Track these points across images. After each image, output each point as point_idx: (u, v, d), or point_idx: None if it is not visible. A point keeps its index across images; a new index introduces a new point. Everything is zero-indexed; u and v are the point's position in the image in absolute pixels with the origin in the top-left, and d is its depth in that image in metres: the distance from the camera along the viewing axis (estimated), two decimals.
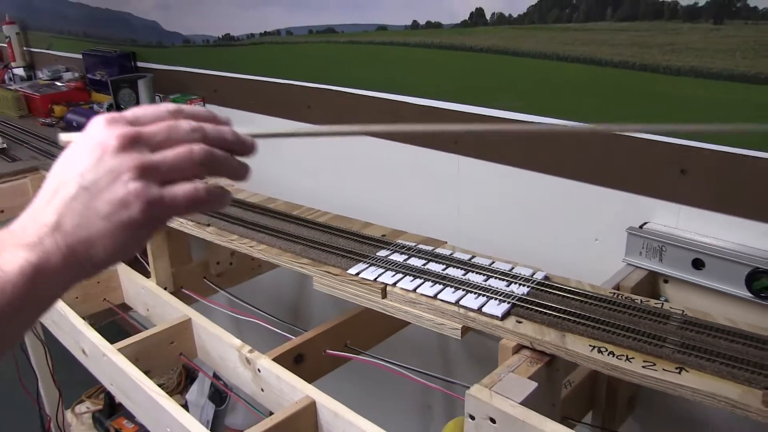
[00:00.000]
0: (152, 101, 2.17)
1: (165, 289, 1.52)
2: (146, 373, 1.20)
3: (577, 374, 1.10)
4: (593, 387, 1.14)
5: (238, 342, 1.25)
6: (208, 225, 1.34)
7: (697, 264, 1.08)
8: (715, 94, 1.03)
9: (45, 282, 0.49)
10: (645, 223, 1.16)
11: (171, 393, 2.43)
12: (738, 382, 0.78)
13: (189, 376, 2.53)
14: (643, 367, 0.82)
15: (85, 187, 0.51)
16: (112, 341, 1.29)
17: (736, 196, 1.05)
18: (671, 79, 1.07)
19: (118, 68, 2.41)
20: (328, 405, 1.06)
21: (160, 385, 1.19)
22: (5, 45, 3.25)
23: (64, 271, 0.50)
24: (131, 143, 0.52)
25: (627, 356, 0.84)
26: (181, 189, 0.53)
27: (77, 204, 0.51)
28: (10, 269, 0.48)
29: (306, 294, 2.13)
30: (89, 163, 0.51)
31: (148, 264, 1.57)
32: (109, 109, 2.18)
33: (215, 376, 1.59)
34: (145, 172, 0.51)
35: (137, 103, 2.13)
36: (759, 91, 0.98)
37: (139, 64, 2.45)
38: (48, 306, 0.52)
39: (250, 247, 1.25)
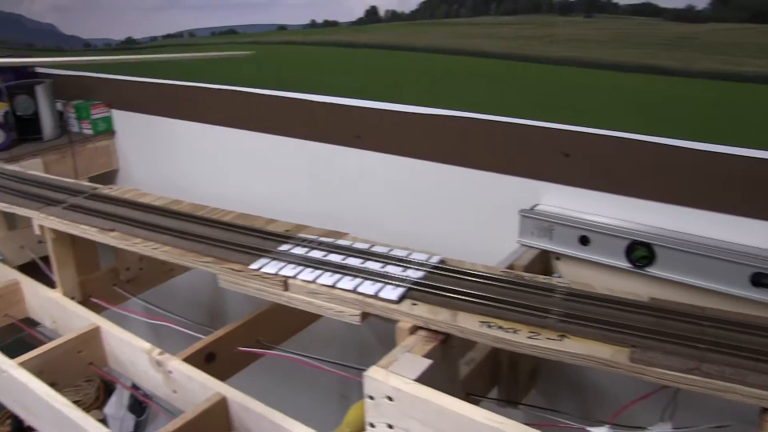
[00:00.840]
0: (53, 108, 2.12)
1: (72, 299, 1.50)
2: (52, 385, 1.17)
3: (479, 352, 1.15)
4: (495, 363, 1.19)
5: (147, 345, 1.25)
6: (112, 230, 1.33)
7: (584, 240, 1.15)
8: (589, 81, 1.11)
9: None
10: (535, 205, 1.23)
11: (89, 408, 2.37)
12: (610, 343, 0.84)
13: (107, 389, 2.48)
14: (528, 337, 0.87)
15: None
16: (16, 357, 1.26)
17: (614, 175, 1.13)
18: (551, 68, 1.14)
19: (14, 74, 2.32)
20: (239, 400, 1.07)
21: (76, 402, 1.16)
22: None
23: None
24: None
25: (514, 329, 0.89)
26: None
27: None
28: None
29: (220, 294, 2.13)
30: None
31: (52, 274, 1.54)
32: (6, 116, 2.11)
33: (133, 386, 1.58)
34: None
35: (36, 110, 2.08)
36: (626, 78, 1.06)
37: (38, 69, 2.39)
38: None
39: (154, 249, 1.25)
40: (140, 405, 2.19)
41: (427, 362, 0.87)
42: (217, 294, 2.15)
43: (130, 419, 2.17)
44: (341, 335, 1.75)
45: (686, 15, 1.00)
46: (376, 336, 1.70)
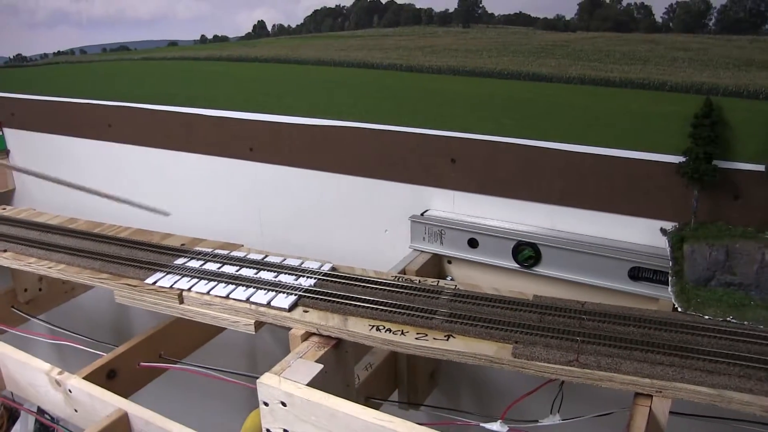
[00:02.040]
0: None
1: None
2: None
3: (377, 356, 1.19)
4: (394, 367, 1.23)
5: (46, 366, 1.23)
6: (5, 251, 1.31)
7: (473, 243, 1.20)
8: (471, 88, 1.15)
9: None
10: (426, 211, 1.27)
11: None
12: (494, 340, 0.89)
13: (11, 416, 2.40)
14: (416, 338, 0.91)
15: None
16: None
17: (496, 179, 1.18)
18: (433, 77, 1.18)
19: None
20: (140, 414, 1.07)
21: None
22: None
23: None
24: None
25: (402, 331, 0.92)
26: None
27: None
28: None
29: (124, 311, 2.09)
30: None
31: None
32: None
33: (39, 410, 1.54)
34: None
35: None
36: (502, 85, 1.11)
37: None
38: None
39: (49, 268, 1.23)
40: (47, 430, 2.13)
41: (319, 367, 0.89)
42: (119, 311, 2.12)
43: None
44: (246, 346, 1.76)
45: (556, 24, 1.06)
46: (278, 344, 1.71)
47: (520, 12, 1.09)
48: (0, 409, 2.37)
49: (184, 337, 1.37)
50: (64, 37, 1.77)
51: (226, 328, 1.11)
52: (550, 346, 0.86)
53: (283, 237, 1.52)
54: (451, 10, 1.14)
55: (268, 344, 1.74)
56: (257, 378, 1.27)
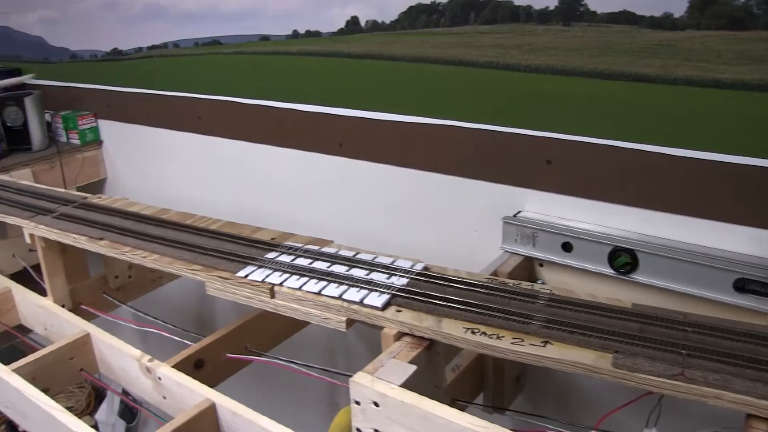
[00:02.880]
0: (42, 118, 2.13)
1: (63, 306, 1.51)
2: (45, 391, 1.20)
3: (465, 358, 1.17)
4: (481, 369, 1.21)
5: (137, 352, 1.26)
6: (101, 239, 1.35)
7: (566, 247, 1.17)
8: (568, 89, 1.12)
9: None
10: (518, 212, 1.24)
11: (81, 415, 2.38)
12: (593, 348, 0.86)
13: (98, 396, 2.49)
14: (512, 343, 0.88)
15: None
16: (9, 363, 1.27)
17: (594, 182, 1.15)
18: (531, 76, 1.16)
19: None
20: (228, 406, 1.08)
21: (68, 408, 1.18)
22: None
23: None
24: None
25: (498, 335, 0.90)
26: None
27: None
28: None
29: (208, 301, 2.13)
30: None
31: (43, 282, 1.55)
32: None
33: (124, 392, 1.59)
34: None
35: (25, 121, 2.09)
36: (603, 85, 1.08)
37: (26, 80, 2.40)
38: None
39: (143, 257, 1.26)
40: (131, 411, 2.19)
41: (412, 368, 0.88)
42: (204, 301, 2.16)
43: (121, 425, 2.17)
44: (328, 341, 1.77)
45: (663, 23, 1.02)
46: (362, 341, 1.71)
47: (625, 9, 1.05)
48: (88, 389, 2.47)
49: (268, 331, 1.38)
50: (159, 31, 1.81)
51: (309, 323, 1.11)
52: (652, 358, 0.83)
53: (371, 234, 1.52)
54: (552, 7, 1.11)
55: (349, 341, 1.74)
56: (342, 374, 1.29)
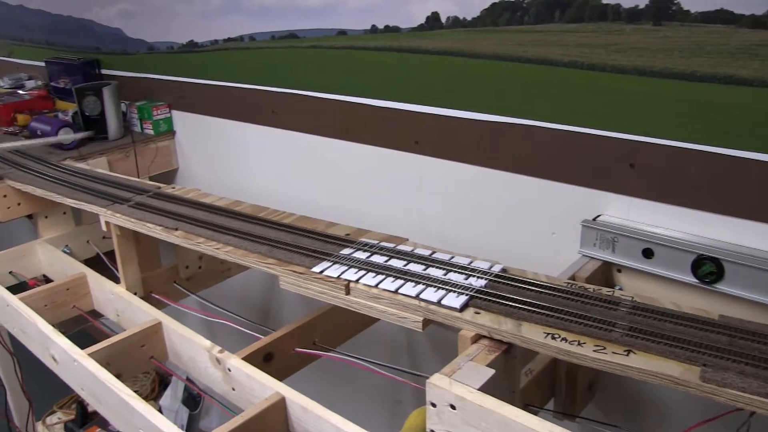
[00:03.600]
0: (118, 108, 2.18)
1: (135, 294, 1.54)
2: (117, 376, 1.22)
3: (538, 363, 1.14)
4: (553, 375, 1.18)
5: (208, 343, 1.27)
6: (176, 229, 1.36)
7: (647, 253, 1.13)
8: (658, 90, 1.09)
9: None
10: (598, 216, 1.21)
11: (144, 400, 2.42)
12: (680, 360, 0.83)
13: (162, 382, 2.53)
14: (594, 351, 0.86)
15: None
16: (82, 348, 1.30)
17: (680, 187, 1.11)
18: (617, 77, 1.12)
19: (83, 76, 2.41)
20: (298, 401, 1.09)
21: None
22: None
23: None
24: None
25: (579, 341, 0.88)
26: None
27: None
28: None
29: (275, 295, 2.16)
30: None
31: (117, 270, 1.58)
32: (74, 117, 2.18)
33: (188, 379, 1.61)
34: None
35: (102, 110, 2.14)
36: (695, 88, 1.04)
37: (104, 71, 2.46)
38: None
39: (217, 249, 1.27)
40: (194, 399, 2.22)
41: (491, 372, 0.87)
42: (270, 294, 2.18)
43: (185, 412, 2.20)
44: (392, 338, 1.76)
45: (765, 22, 0.97)
46: (426, 340, 1.70)
47: (722, 8, 1.01)
48: (152, 375, 2.51)
49: (337, 327, 1.38)
50: (235, 24, 1.83)
51: (377, 320, 1.11)
52: (744, 374, 0.79)
53: (444, 233, 1.50)
54: (642, 6, 1.07)
55: (412, 338, 1.73)
56: (410, 373, 1.28)
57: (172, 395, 2.23)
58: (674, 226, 1.14)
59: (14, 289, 1.59)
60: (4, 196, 1.83)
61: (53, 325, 1.39)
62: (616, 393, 1.32)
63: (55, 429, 2.38)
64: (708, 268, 1.07)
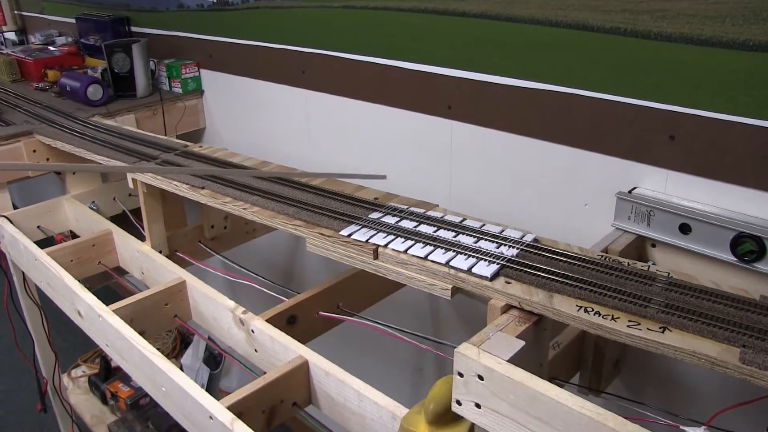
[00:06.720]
0: (147, 66, 2.16)
1: (160, 252, 1.54)
2: (141, 334, 1.22)
3: (565, 336, 1.13)
4: (581, 349, 1.16)
5: (232, 303, 1.27)
6: (203, 188, 1.35)
7: (684, 228, 1.10)
8: (704, 60, 1.04)
9: None
10: (634, 188, 1.18)
11: (167, 358, 2.45)
12: (717, 340, 0.80)
13: (184, 340, 2.56)
14: (627, 326, 0.83)
15: None
16: (107, 304, 1.31)
17: (722, 162, 1.07)
18: (662, 45, 1.08)
19: (112, 33, 2.40)
20: (320, 364, 1.08)
21: None
22: None
23: None
24: None
25: (612, 316, 0.85)
26: None
27: None
28: None
29: (300, 257, 2.15)
30: None
31: (143, 228, 1.58)
32: (103, 73, 2.17)
33: (210, 339, 1.61)
34: None
35: (131, 68, 2.13)
36: (747, 57, 0.99)
37: (133, 28, 2.44)
38: None
39: (243, 209, 1.26)
40: (215, 359, 2.24)
41: (521, 343, 0.85)
42: (294, 256, 2.17)
43: (205, 371, 2.22)
44: (415, 305, 1.74)
45: None
46: (451, 308, 1.68)
47: None
48: (174, 333, 2.54)
49: (362, 291, 1.37)
50: None
51: (403, 286, 1.09)
52: None
53: (474, 200, 1.47)
54: None
55: (437, 306, 1.72)
56: (433, 341, 1.27)
57: (193, 354, 2.25)
58: (713, 202, 1.10)
59: (42, 244, 1.60)
60: (34, 150, 1.83)
61: (79, 281, 1.40)
62: (642, 370, 1.30)
63: (79, 382, 2.42)
64: (748, 246, 1.04)
